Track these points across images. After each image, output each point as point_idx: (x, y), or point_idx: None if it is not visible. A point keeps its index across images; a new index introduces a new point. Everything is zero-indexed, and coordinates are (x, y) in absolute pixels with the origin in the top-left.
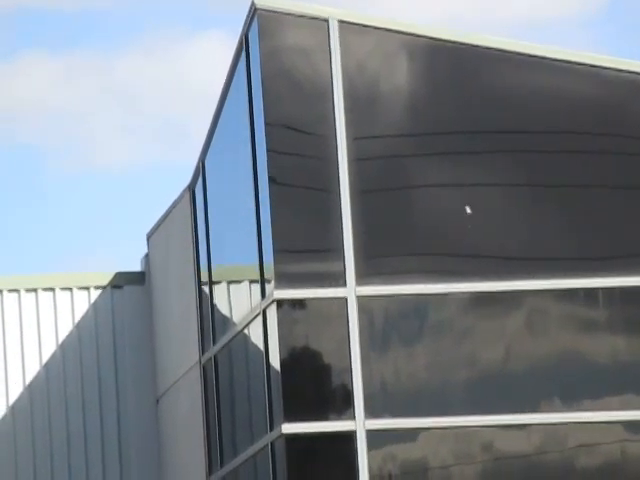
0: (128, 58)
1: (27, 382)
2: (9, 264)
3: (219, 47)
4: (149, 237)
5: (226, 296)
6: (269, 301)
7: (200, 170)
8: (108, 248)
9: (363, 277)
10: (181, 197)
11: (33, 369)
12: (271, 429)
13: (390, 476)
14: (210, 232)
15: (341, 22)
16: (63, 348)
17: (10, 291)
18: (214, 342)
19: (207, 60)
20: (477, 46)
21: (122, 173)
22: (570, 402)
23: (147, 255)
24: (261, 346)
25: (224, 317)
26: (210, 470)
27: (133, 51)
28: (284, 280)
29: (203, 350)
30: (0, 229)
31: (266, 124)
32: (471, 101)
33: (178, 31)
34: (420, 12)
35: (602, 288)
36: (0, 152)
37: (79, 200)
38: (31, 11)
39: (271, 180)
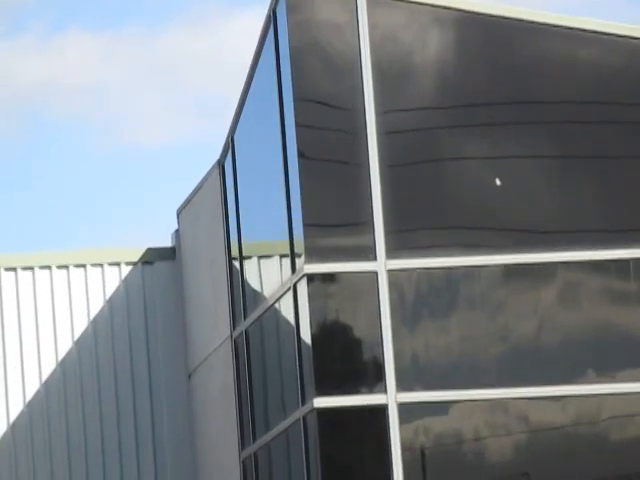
0: (168, 35)
1: (59, 358)
2: (41, 240)
3: (258, 23)
4: (179, 213)
5: (256, 271)
6: (299, 275)
7: (229, 145)
8: (139, 224)
9: (393, 251)
10: (211, 172)
11: (65, 345)
12: (303, 403)
13: (422, 449)
14: (240, 207)
15: None
16: (95, 324)
17: (42, 268)
18: (245, 317)
19: (246, 36)
20: (507, 18)
21: (156, 149)
22: (603, 373)
23: (177, 231)
24: (292, 321)
25: (255, 292)
26: (242, 444)
27: (173, 28)
28: (314, 254)
29: (234, 325)
30: (33, 206)
31: (295, 98)
32: (501, 73)
33: (218, 7)
34: None
35: (633, 259)
36: (40, 129)
37: (110, 176)
38: None
39: (300, 154)
